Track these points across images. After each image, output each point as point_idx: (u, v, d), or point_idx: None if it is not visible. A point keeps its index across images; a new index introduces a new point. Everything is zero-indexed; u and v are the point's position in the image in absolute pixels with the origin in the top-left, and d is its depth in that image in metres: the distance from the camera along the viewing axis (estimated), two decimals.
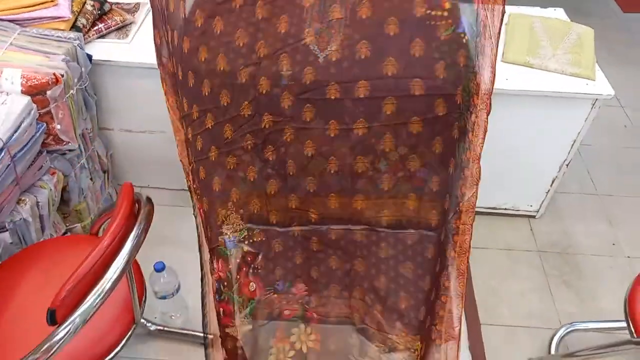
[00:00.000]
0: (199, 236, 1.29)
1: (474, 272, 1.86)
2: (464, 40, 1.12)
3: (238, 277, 1.28)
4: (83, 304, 0.95)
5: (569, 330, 1.67)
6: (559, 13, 1.96)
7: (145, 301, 1.28)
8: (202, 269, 1.26)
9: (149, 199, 1.16)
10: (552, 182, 1.89)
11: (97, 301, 0.96)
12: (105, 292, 0.97)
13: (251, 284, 1.29)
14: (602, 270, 1.89)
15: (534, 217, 2.04)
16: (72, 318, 0.94)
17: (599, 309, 1.77)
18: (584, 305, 1.78)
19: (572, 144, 1.76)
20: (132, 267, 1.13)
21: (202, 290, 1.28)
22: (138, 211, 1.12)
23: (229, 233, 1.27)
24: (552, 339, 1.65)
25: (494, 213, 2.03)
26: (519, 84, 1.63)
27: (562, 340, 1.65)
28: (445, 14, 1.12)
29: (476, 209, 2.01)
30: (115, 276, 0.99)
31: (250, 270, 1.29)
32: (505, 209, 2.02)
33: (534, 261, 1.91)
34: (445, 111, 1.17)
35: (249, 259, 1.29)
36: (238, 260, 1.27)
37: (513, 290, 1.82)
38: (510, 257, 1.92)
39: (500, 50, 1.76)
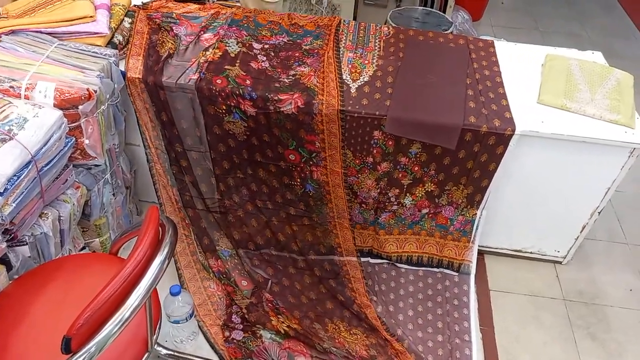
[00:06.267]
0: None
1: (495, 316, 1.80)
2: None
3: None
4: (100, 332, 0.92)
5: None
6: (597, 57, 1.91)
7: (160, 328, 1.24)
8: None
9: (172, 224, 1.13)
10: (582, 229, 1.83)
11: (114, 330, 0.93)
12: (125, 321, 0.94)
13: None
14: (632, 324, 1.81)
15: (560, 262, 1.97)
16: (87, 347, 0.90)
17: None
18: None
19: (606, 192, 1.70)
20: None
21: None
22: (162, 236, 1.09)
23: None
24: None
25: (518, 256, 1.97)
26: (554, 128, 1.59)
27: None
28: None
29: (500, 251, 1.98)
30: (135, 304, 0.96)
31: None
32: (531, 252, 1.95)
33: (558, 309, 1.84)
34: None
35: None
36: None
37: (535, 339, 1.74)
38: (533, 303, 1.85)
39: (536, 92, 1.72)
